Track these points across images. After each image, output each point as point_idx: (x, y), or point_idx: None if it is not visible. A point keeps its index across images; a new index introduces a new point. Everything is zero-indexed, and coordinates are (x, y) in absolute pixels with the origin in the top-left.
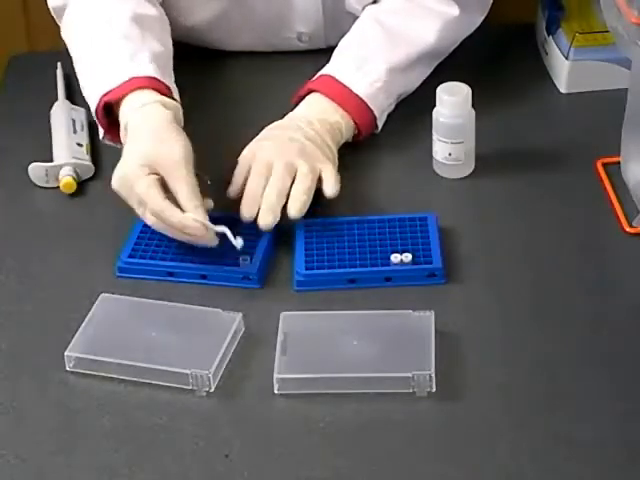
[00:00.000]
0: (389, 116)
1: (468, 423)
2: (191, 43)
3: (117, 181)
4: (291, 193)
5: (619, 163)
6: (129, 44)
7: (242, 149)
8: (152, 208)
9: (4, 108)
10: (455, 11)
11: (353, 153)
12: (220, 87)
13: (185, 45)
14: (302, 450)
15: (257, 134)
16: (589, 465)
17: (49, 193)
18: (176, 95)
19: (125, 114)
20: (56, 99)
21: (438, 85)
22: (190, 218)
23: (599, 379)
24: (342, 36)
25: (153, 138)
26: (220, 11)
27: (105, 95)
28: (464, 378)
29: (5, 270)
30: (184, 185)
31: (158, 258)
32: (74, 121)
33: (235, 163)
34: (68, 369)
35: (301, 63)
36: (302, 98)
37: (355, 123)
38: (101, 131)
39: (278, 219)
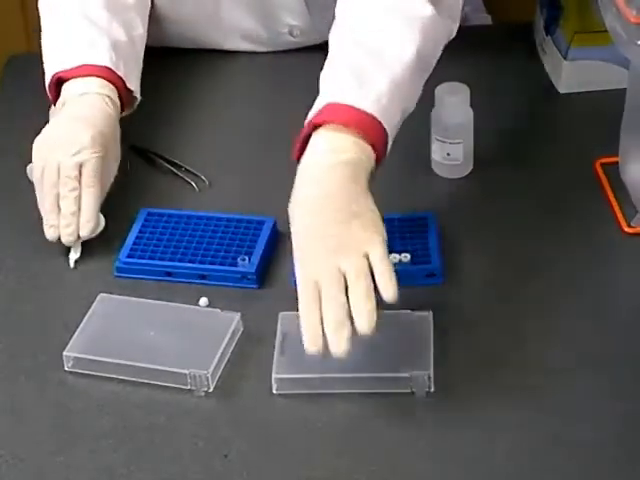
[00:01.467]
0: None
1: (468, 423)
2: (186, 46)
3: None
4: (352, 308)
5: (617, 163)
6: (92, 28)
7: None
8: (63, 191)
9: (3, 108)
10: (428, 11)
11: None
12: (220, 88)
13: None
14: (301, 450)
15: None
16: (589, 465)
17: None
18: (132, 86)
19: (67, 93)
20: None
21: (437, 85)
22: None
23: (599, 379)
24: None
25: (91, 135)
26: (211, 5)
27: (56, 74)
28: (464, 378)
29: (4, 270)
30: (91, 198)
31: (157, 258)
32: None
33: (232, 165)
34: (67, 369)
35: (302, 61)
36: (307, 139)
37: (373, 148)
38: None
39: (349, 335)
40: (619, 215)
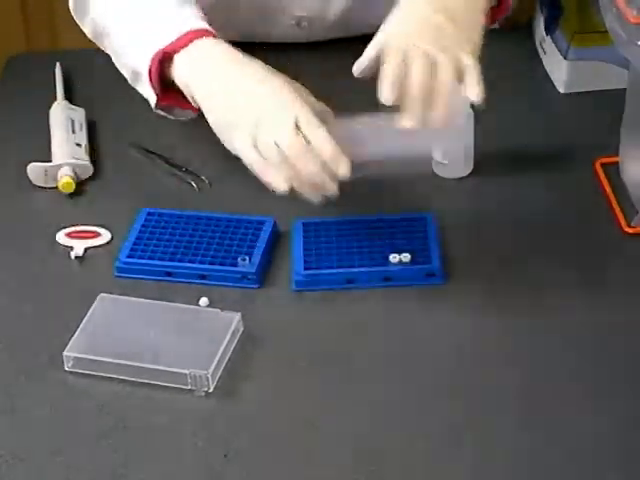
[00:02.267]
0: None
1: (468, 423)
2: None
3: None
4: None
5: (618, 163)
6: (171, 8)
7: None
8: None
9: (3, 108)
10: None
11: None
12: None
13: None
14: (301, 450)
15: None
16: (589, 465)
17: (48, 193)
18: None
19: (196, 57)
20: (55, 99)
21: None
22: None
23: (599, 379)
24: (341, 23)
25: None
26: None
27: (159, 51)
28: (464, 378)
29: (4, 270)
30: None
31: (157, 258)
32: (73, 121)
33: (232, 165)
34: (67, 369)
35: (308, 57)
36: None
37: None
38: (153, 98)
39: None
40: (619, 215)
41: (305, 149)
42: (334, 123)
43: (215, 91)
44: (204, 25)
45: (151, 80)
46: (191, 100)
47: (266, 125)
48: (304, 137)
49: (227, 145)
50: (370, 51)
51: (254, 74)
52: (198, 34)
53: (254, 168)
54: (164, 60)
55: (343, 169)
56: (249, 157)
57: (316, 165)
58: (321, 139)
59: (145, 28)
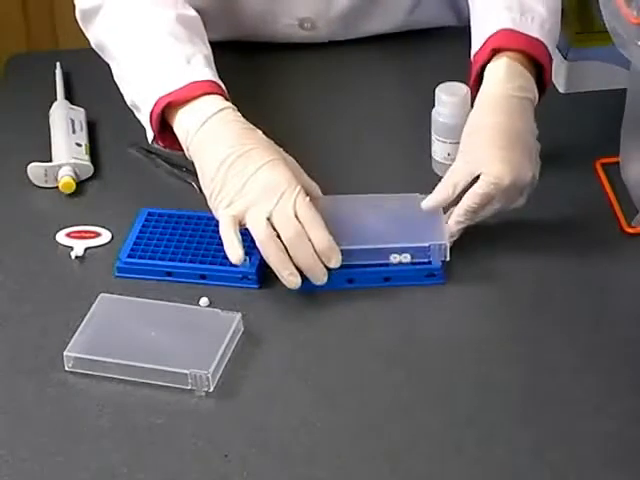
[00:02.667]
0: (388, 114)
1: (468, 423)
2: None
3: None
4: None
5: (618, 163)
6: (180, 45)
7: None
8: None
9: (3, 107)
10: None
11: (352, 153)
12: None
13: None
14: (301, 450)
15: None
16: (589, 465)
17: (48, 193)
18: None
19: (199, 117)
20: (55, 99)
21: (437, 85)
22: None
23: (599, 379)
24: (344, 25)
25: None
26: None
27: (165, 97)
28: (464, 378)
29: (5, 270)
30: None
31: (157, 258)
32: (73, 121)
33: None
34: (67, 369)
35: (310, 58)
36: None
37: (544, 76)
38: (150, 135)
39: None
40: (619, 215)
41: (302, 234)
42: (322, 201)
43: (211, 159)
44: (208, 74)
45: (151, 123)
46: (186, 154)
47: (261, 203)
48: (299, 221)
49: (211, 208)
50: (453, 188)
51: (251, 149)
52: (202, 89)
53: (223, 239)
54: (166, 107)
55: (335, 262)
56: (226, 234)
57: (309, 250)
58: (318, 228)
59: (149, 62)
